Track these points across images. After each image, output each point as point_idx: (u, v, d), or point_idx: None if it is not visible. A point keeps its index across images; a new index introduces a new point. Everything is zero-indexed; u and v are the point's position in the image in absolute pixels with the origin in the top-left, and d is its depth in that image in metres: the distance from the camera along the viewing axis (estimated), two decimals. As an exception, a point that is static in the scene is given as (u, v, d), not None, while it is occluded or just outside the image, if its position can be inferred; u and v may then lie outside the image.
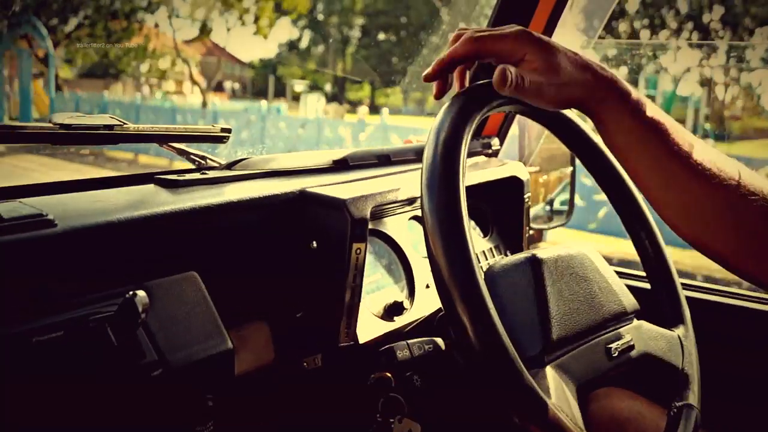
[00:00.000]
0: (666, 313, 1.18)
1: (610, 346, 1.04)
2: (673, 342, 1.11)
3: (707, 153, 0.92)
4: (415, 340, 0.99)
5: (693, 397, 1.07)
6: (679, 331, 1.14)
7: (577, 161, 1.91)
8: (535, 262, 1.00)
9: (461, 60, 0.92)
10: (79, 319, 0.77)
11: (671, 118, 0.93)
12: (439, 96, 0.96)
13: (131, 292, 0.75)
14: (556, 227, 2.00)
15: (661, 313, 1.18)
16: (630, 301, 1.10)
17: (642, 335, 1.08)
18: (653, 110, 0.91)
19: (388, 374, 1.11)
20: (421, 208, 0.84)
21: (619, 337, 1.06)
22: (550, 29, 1.66)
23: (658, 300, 1.19)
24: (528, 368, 0.85)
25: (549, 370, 0.92)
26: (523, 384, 0.81)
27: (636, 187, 1.01)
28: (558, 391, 0.90)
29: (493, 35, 0.89)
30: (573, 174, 2.01)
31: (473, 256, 0.81)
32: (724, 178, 0.90)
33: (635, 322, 1.10)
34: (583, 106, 0.93)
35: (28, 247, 0.78)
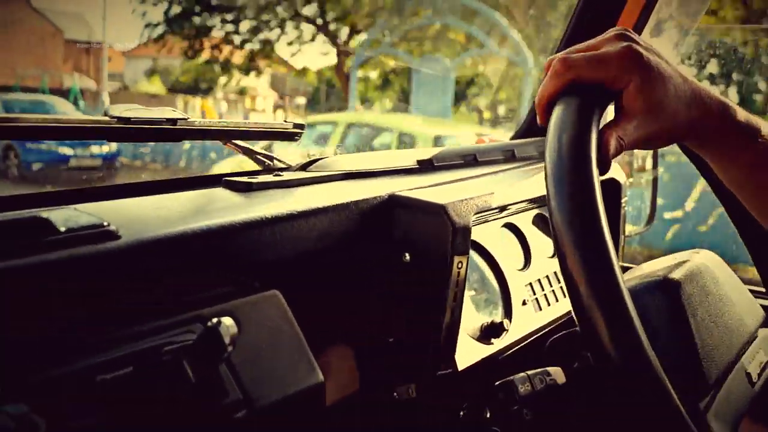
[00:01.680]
0: None
1: (749, 370, 0.92)
2: None
3: None
4: (535, 371, 0.85)
5: None
6: None
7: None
8: (671, 287, 0.87)
9: (560, 95, 0.75)
10: (150, 351, 0.64)
11: None
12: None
13: (215, 320, 0.61)
14: (639, 233, 1.87)
15: None
16: (757, 312, 1.02)
17: None
18: None
19: (483, 405, 0.98)
20: (551, 221, 0.68)
21: (753, 356, 0.95)
22: (639, 27, 1.52)
23: None
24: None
25: (710, 421, 0.78)
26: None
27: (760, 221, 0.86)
28: None
29: (592, 59, 0.73)
30: (655, 178, 1.88)
31: (621, 281, 0.66)
32: None
33: (761, 332, 0.98)
34: (691, 143, 0.80)
35: (88, 264, 0.64)
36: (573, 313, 0.68)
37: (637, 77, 0.72)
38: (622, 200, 1.42)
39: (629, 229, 1.85)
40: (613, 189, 1.40)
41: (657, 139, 0.77)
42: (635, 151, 1.79)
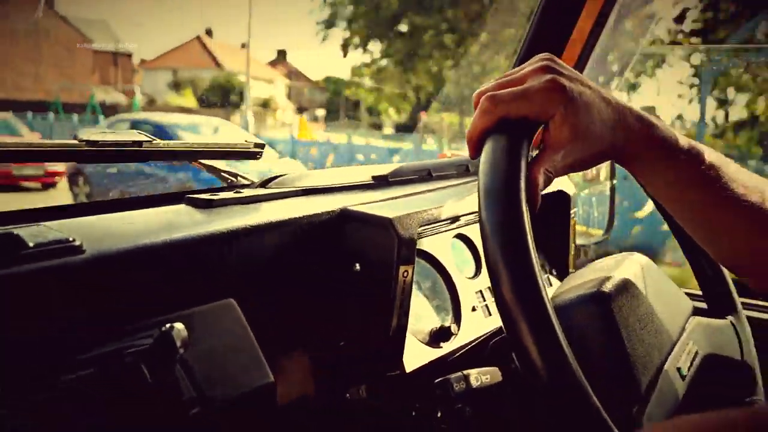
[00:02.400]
0: (715, 300, 1.13)
1: (680, 365, 0.99)
2: (728, 332, 1.11)
3: (764, 192, 0.84)
4: (472, 371, 0.92)
5: (759, 392, 1.04)
6: (732, 318, 1.10)
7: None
8: (602, 299, 0.94)
9: (489, 132, 0.79)
10: (111, 353, 0.70)
11: (721, 156, 0.85)
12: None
13: (168, 325, 0.68)
14: (599, 242, 1.94)
15: (710, 303, 1.16)
16: (686, 305, 1.10)
17: (699, 336, 1.07)
18: (699, 153, 0.83)
19: (434, 406, 1.04)
20: (485, 253, 0.74)
21: (683, 349, 1.02)
22: (582, 62, 1.60)
23: (707, 293, 1.14)
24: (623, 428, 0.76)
25: (644, 425, 0.86)
26: None
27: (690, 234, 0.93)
28: None
29: (516, 95, 0.77)
30: (612, 187, 1.95)
31: (549, 305, 0.72)
32: None
33: (691, 322, 1.06)
34: (618, 161, 0.85)
35: (54, 276, 0.71)
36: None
37: (561, 108, 0.76)
38: (571, 211, 1.49)
39: (590, 236, 1.93)
40: (561, 201, 1.48)
41: (584, 163, 0.82)
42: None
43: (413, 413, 1.06)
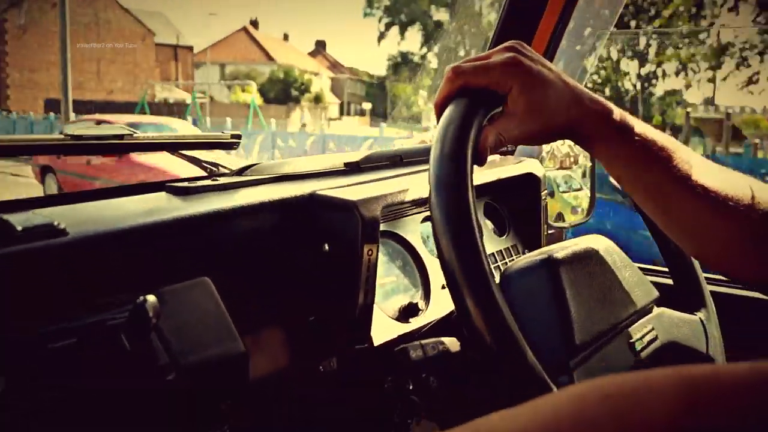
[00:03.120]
0: (686, 298, 1.18)
1: (633, 340, 1.04)
2: (695, 326, 1.12)
3: (713, 174, 0.90)
4: (429, 340, 0.99)
5: None
6: (701, 314, 1.14)
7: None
8: (551, 264, 1.00)
9: (452, 97, 0.88)
10: (92, 325, 0.78)
11: (673, 140, 0.91)
12: None
13: (141, 298, 0.75)
14: (577, 225, 1.98)
15: (681, 299, 1.18)
16: (649, 291, 1.11)
17: (663, 323, 1.09)
18: (653, 135, 0.90)
19: (405, 378, 1.12)
20: (429, 207, 0.83)
21: (641, 330, 1.06)
22: (552, 48, 1.66)
23: (678, 285, 1.19)
24: (553, 376, 0.84)
25: (576, 377, 0.92)
26: (544, 388, 0.81)
27: (641, 209, 1.00)
28: None
29: (477, 68, 0.87)
30: (593, 169, 1.98)
31: (485, 259, 0.80)
32: (733, 198, 0.89)
33: (656, 310, 1.11)
34: (574, 140, 0.93)
35: (40, 256, 0.79)
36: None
37: (518, 82, 0.86)
38: (542, 193, 1.56)
39: (570, 219, 1.98)
40: (531, 182, 1.55)
41: (537, 136, 0.90)
42: (571, 148, 1.92)
43: (385, 386, 1.13)
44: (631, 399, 0.45)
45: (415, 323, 1.19)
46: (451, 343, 1.02)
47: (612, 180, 0.97)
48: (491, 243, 1.50)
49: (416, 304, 1.19)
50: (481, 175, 1.41)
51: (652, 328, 1.08)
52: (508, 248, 1.53)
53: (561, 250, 1.04)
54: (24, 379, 0.70)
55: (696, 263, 1.21)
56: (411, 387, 1.12)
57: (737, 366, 0.43)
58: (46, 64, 39.15)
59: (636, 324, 1.08)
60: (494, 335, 0.79)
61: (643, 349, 1.05)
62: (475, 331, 0.80)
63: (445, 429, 0.58)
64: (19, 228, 0.79)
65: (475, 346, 0.81)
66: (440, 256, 0.81)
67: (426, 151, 1.48)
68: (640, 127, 0.90)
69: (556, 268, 1.00)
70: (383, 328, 1.14)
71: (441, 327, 1.22)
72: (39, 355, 0.73)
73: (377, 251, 1.07)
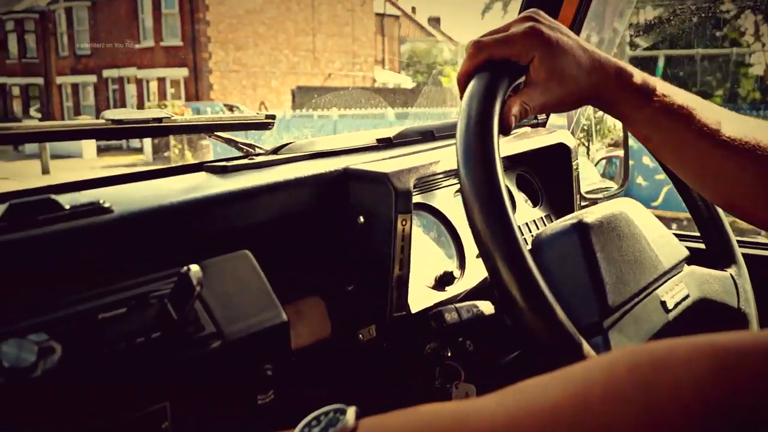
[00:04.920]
0: (717, 254, 1.19)
1: (664, 299, 1.05)
2: (726, 282, 1.13)
3: (739, 125, 0.92)
4: (463, 303, 1.02)
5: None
6: (732, 270, 1.15)
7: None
8: (581, 228, 1.02)
9: (476, 71, 0.90)
10: (139, 296, 0.82)
11: (696, 97, 0.93)
12: None
13: (186, 267, 0.79)
14: (612, 197, 1.98)
15: (713, 256, 1.18)
16: (679, 250, 1.12)
17: (695, 281, 1.10)
18: (674, 95, 0.91)
19: (444, 345, 1.15)
20: (458, 179, 0.86)
21: (672, 288, 1.07)
22: (580, 17, 1.67)
23: (708, 244, 1.20)
24: (587, 336, 0.86)
25: (610, 337, 0.94)
26: (579, 352, 0.83)
27: (668, 168, 1.01)
28: None
29: (498, 40, 0.89)
30: (625, 138, 1.97)
31: (514, 223, 0.82)
32: (760, 147, 0.90)
33: (686, 268, 1.12)
34: (596, 105, 0.94)
35: (87, 233, 0.83)
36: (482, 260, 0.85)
37: (540, 51, 0.88)
38: (573, 163, 1.57)
39: (610, 191, 1.98)
40: (563, 153, 1.56)
41: (561, 103, 0.92)
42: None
43: (425, 352, 1.16)
44: (659, 370, 0.45)
45: (451, 291, 1.22)
46: (486, 306, 1.04)
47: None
48: (525, 214, 1.51)
49: (451, 272, 1.21)
50: (511, 147, 1.43)
51: (683, 286, 1.09)
52: (541, 218, 1.54)
53: (590, 214, 1.06)
54: (78, 348, 0.74)
55: (726, 222, 1.22)
56: (450, 353, 1.15)
57: (764, 333, 0.44)
58: (253, 38, 29.13)
59: (667, 283, 1.09)
60: (526, 299, 0.81)
61: (675, 307, 1.06)
62: (508, 296, 0.82)
63: (483, 393, 0.59)
64: (67, 207, 0.83)
65: (509, 311, 0.84)
66: (471, 223, 0.84)
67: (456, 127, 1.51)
68: (661, 87, 0.92)
69: (587, 232, 1.01)
70: (420, 297, 1.16)
71: (477, 294, 1.25)
72: (91, 324, 0.77)
73: (411, 222, 1.10)
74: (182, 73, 27.94)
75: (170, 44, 27.91)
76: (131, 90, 28.77)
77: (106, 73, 29.09)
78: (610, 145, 1.97)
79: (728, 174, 0.92)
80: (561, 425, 0.48)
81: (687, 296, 1.09)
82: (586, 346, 0.84)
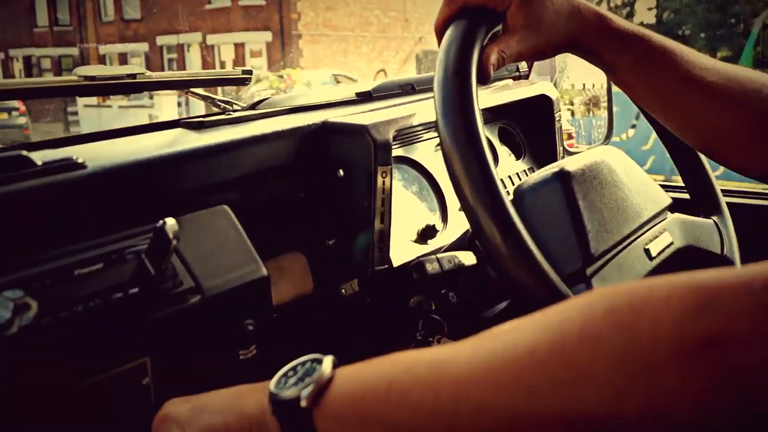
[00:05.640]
0: (700, 203, 1.19)
1: (648, 247, 1.05)
2: (710, 229, 1.13)
3: (722, 70, 0.91)
4: (444, 254, 1.01)
5: None
6: (716, 218, 1.15)
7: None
8: (563, 177, 1.01)
9: (452, 19, 0.88)
10: (116, 252, 0.81)
11: (677, 43, 0.92)
12: None
13: (161, 221, 0.78)
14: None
15: (696, 205, 1.19)
16: (662, 198, 1.12)
17: (678, 228, 1.10)
18: (656, 40, 0.90)
19: (427, 299, 1.14)
20: (437, 130, 0.84)
21: (656, 236, 1.07)
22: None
23: (692, 192, 1.20)
24: (571, 284, 0.86)
25: (593, 284, 0.94)
26: (561, 296, 0.83)
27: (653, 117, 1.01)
28: None
29: None
30: (609, 90, 1.96)
31: (494, 172, 0.81)
32: (741, 93, 0.89)
33: (670, 216, 1.12)
34: (576, 53, 0.93)
35: (61, 189, 0.82)
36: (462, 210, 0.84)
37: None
38: (556, 114, 1.56)
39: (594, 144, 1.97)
40: (545, 105, 1.55)
41: (540, 50, 0.91)
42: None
43: (409, 306, 1.16)
44: (637, 310, 0.45)
45: (434, 244, 1.21)
46: (468, 257, 1.04)
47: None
48: (508, 166, 1.51)
49: (433, 225, 1.21)
50: (493, 99, 1.42)
51: (667, 234, 1.09)
52: (525, 171, 1.54)
53: (572, 163, 1.05)
54: (54, 304, 0.73)
55: (709, 170, 1.22)
56: (433, 307, 1.15)
57: (745, 269, 0.44)
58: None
59: (651, 231, 1.09)
60: (509, 250, 0.81)
61: (658, 254, 1.06)
62: (491, 247, 0.81)
63: None
64: (40, 163, 0.82)
65: (492, 262, 0.83)
66: (451, 175, 0.83)
67: (437, 79, 1.50)
68: (642, 32, 0.91)
69: (569, 180, 1.01)
70: (402, 251, 1.16)
71: (460, 246, 1.24)
72: (68, 280, 0.76)
73: (391, 174, 1.09)
74: (264, 37, 23.98)
75: (250, 3, 23.82)
76: (194, 59, 24.96)
77: (160, 40, 25.36)
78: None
79: (710, 119, 0.92)
80: (537, 370, 0.48)
81: (671, 244, 1.09)
82: (570, 294, 0.84)
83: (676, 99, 0.92)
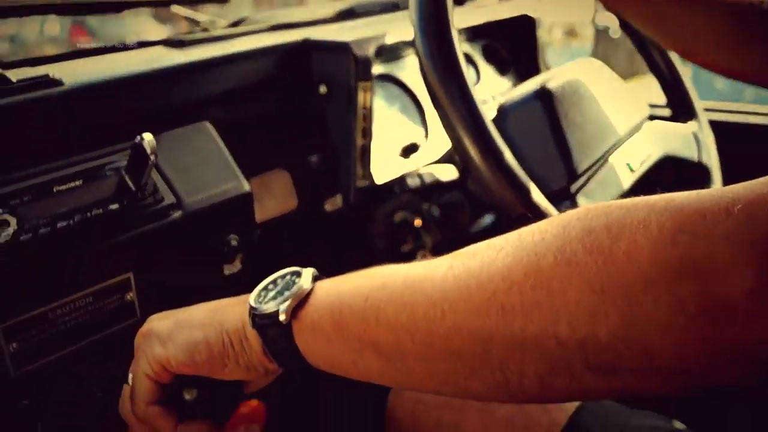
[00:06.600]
0: (677, 109, 1.19)
1: (629, 161, 1.06)
2: (687, 136, 1.14)
3: None
4: (424, 169, 1.02)
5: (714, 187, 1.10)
6: (692, 124, 1.16)
7: None
8: (544, 95, 1.01)
9: None
10: (95, 168, 0.81)
11: None
12: None
13: (138, 137, 0.78)
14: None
15: (673, 111, 1.19)
16: (641, 107, 1.13)
17: (656, 137, 1.11)
18: None
19: (412, 214, 1.15)
20: (414, 49, 0.84)
21: (635, 148, 1.08)
22: None
23: (669, 98, 1.21)
24: (555, 202, 0.86)
25: (578, 201, 0.94)
26: (542, 213, 0.83)
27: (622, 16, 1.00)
28: None
29: None
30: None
31: (472, 92, 0.81)
32: None
33: (647, 125, 1.12)
34: None
35: (38, 106, 0.81)
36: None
37: None
38: (537, 32, 1.55)
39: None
40: (527, 24, 1.53)
41: None
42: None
43: (394, 221, 1.17)
44: (614, 233, 0.44)
45: (417, 161, 1.22)
46: (448, 171, 1.04)
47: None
48: (493, 84, 1.50)
49: (415, 142, 1.21)
50: (475, 17, 1.41)
51: (646, 144, 1.10)
52: (509, 88, 1.53)
53: (552, 79, 1.05)
54: (33, 221, 0.74)
55: (684, 77, 1.22)
56: (419, 223, 1.16)
57: (724, 191, 0.42)
58: None
59: (630, 141, 1.10)
60: (492, 170, 0.81)
61: (639, 166, 1.07)
62: (475, 168, 0.82)
63: None
64: (14, 80, 0.81)
65: (473, 178, 0.83)
66: (431, 95, 0.83)
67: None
68: None
69: (550, 98, 1.01)
70: (385, 166, 1.16)
71: (443, 162, 1.25)
72: (47, 196, 0.76)
73: (372, 90, 1.09)
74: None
75: None
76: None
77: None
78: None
79: (685, 20, 0.92)
80: (512, 291, 0.48)
81: (650, 155, 1.10)
82: (552, 209, 0.85)
83: (650, 3, 0.92)
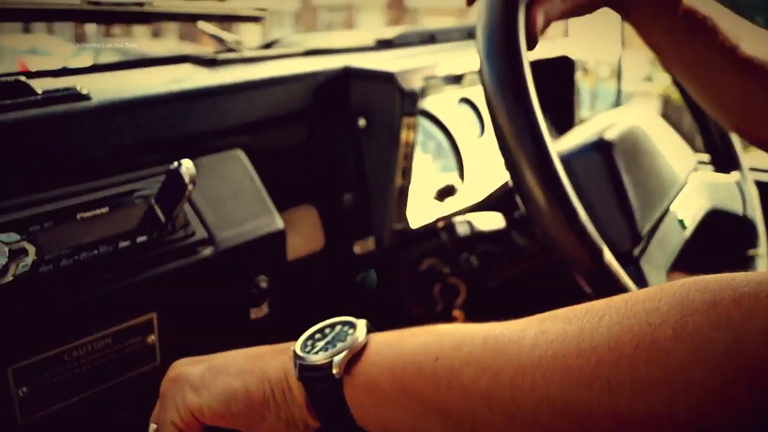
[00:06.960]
0: (720, 161, 1.15)
1: (681, 217, 1.01)
2: (731, 188, 1.12)
3: (757, 41, 0.84)
4: (475, 214, 0.94)
5: (761, 245, 1.06)
6: (735, 174, 1.12)
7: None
8: (604, 147, 0.94)
9: None
10: (122, 195, 0.73)
11: (721, 7, 0.85)
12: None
13: (176, 163, 0.70)
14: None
15: (716, 163, 1.18)
16: (690, 157, 1.10)
17: (704, 189, 1.07)
18: (696, 4, 0.83)
19: (441, 262, 1.07)
20: (486, 98, 0.75)
21: (684, 203, 1.04)
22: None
23: (712, 149, 1.16)
24: (623, 266, 0.79)
25: (642, 268, 0.87)
26: (617, 280, 0.75)
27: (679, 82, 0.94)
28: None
29: None
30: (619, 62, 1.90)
31: (546, 135, 0.73)
32: None
33: (693, 176, 1.08)
34: (614, 8, 0.86)
35: (63, 121, 0.73)
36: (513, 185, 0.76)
37: None
38: (575, 76, 1.49)
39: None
40: (565, 67, 1.47)
41: (580, 7, 0.84)
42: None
43: (422, 268, 1.09)
44: (744, 308, 0.39)
45: (452, 205, 1.14)
46: (496, 219, 0.97)
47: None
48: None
49: (452, 185, 1.13)
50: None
51: (694, 198, 1.05)
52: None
53: (609, 128, 0.98)
54: (53, 250, 0.65)
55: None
56: (449, 271, 1.08)
57: None
58: None
59: (680, 196, 1.04)
60: (562, 220, 0.72)
61: (690, 222, 1.02)
62: (542, 216, 0.73)
63: (490, 319, 0.53)
64: (39, 91, 0.73)
65: (536, 225, 0.75)
66: (503, 148, 0.74)
67: (459, 32, 1.41)
68: None
69: (610, 151, 0.94)
70: (420, 211, 1.08)
71: (483, 208, 1.17)
72: (69, 224, 0.68)
73: (416, 127, 1.01)
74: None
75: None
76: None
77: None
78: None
79: (746, 97, 0.85)
80: (620, 365, 0.42)
81: (699, 209, 1.06)
82: (624, 276, 0.76)
83: (704, 71, 0.86)
